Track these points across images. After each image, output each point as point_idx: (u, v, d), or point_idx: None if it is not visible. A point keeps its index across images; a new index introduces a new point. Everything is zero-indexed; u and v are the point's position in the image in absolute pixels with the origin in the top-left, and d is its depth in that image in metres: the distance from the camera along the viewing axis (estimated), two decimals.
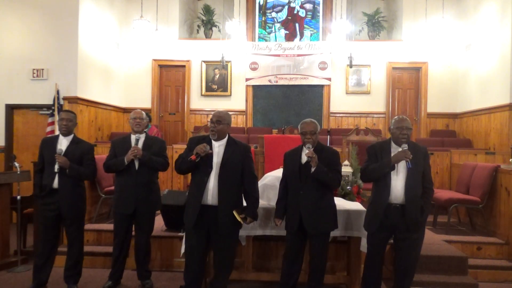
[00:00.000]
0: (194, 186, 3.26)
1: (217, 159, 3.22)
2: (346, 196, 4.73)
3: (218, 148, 3.25)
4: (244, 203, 3.38)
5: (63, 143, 3.71)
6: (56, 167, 3.60)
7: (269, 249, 4.30)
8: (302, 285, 3.50)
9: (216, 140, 3.26)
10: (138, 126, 3.86)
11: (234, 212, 3.20)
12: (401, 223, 3.15)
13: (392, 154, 3.20)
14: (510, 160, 5.44)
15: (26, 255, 4.72)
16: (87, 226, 4.90)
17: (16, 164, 4.56)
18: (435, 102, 8.89)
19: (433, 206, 5.45)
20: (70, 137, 3.77)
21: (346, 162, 5.02)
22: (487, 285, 4.15)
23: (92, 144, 4.18)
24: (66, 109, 4.48)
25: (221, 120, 3.22)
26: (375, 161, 3.25)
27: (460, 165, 5.91)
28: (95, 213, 5.15)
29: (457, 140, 8.24)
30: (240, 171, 3.26)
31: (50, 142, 3.76)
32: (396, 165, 3.16)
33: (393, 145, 3.26)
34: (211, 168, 3.20)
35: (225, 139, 3.30)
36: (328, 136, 7.51)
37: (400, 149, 3.17)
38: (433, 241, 4.58)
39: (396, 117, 3.29)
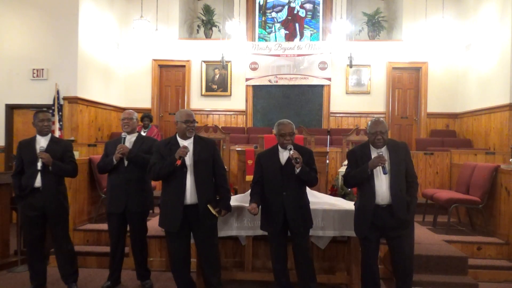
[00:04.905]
0: (172, 189, 3.27)
1: (188, 158, 3.27)
2: (346, 196, 4.74)
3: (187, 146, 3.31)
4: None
5: (41, 142, 3.68)
6: (39, 164, 3.54)
7: (269, 249, 4.28)
8: (296, 285, 3.51)
9: (186, 139, 3.33)
10: (127, 126, 3.87)
11: (209, 206, 3.25)
12: (390, 223, 3.15)
13: (372, 157, 3.17)
14: (510, 160, 5.44)
15: (26, 255, 4.71)
16: (87, 226, 4.90)
17: None
18: (435, 102, 8.90)
19: (433, 206, 5.47)
20: (48, 136, 3.74)
21: (346, 162, 5.01)
22: (487, 285, 4.14)
23: (71, 141, 4.12)
24: (41, 109, 4.41)
25: (195, 119, 3.37)
26: (355, 167, 3.26)
27: (460, 165, 5.91)
28: (95, 213, 5.15)
29: (457, 140, 8.24)
30: (211, 165, 3.35)
31: (28, 143, 3.71)
32: (375, 169, 3.15)
33: (372, 148, 3.24)
34: (186, 168, 3.25)
35: (192, 137, 3.37)
36: (328, 136, 7.52)
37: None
38: (433, 241, 4.57)
39: (370, 121, 3.27)
